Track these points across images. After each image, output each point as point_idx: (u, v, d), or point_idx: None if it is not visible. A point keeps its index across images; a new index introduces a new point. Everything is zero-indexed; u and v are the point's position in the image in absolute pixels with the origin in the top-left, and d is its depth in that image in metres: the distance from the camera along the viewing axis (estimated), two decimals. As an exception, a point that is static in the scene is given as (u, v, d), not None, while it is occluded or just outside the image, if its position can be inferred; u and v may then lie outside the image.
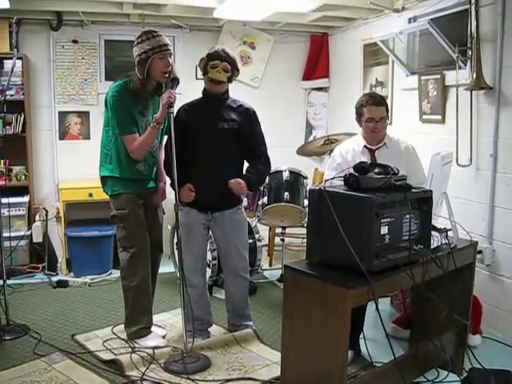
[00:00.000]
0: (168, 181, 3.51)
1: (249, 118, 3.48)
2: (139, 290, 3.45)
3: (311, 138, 6.05)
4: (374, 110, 3.29)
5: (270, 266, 5.40)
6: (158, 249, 3.65)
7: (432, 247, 2.68)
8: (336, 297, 2.30)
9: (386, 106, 3.36)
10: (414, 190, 2.53)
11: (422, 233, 2.58)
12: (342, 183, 2.54)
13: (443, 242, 2.81)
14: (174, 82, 3.25)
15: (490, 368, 2.96)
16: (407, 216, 2.47)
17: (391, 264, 2.39)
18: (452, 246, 2.83)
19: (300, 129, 6.17)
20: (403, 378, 2.58)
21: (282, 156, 5.30)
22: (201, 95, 3.49)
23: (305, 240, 2.65)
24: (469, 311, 3.10)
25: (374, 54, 5.03)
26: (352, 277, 2.30)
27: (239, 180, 3.39)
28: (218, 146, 3.40)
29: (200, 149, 3.38)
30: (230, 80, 3.39)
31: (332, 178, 2.64)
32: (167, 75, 3.28)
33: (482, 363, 2.96)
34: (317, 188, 2.49)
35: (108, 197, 3.49)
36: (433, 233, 2.72)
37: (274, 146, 5.67)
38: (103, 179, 3.47)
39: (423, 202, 2.56)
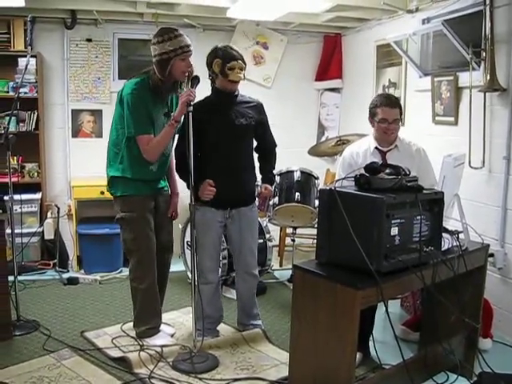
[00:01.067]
0: (181, 183, 3.52)
1: (261, 111, 3.54)
2: (148, 292, 3.44)
3: (323, 139, 6.02)
4: (387, 111, 3.26)
5: (281, 266, 5.39)
6: (168, 249, 3.63)
7: (443, 249, 2.65)
8: (345, 297, 2.29)
9: (400, 109, 3.33)
10: (425, 191, 2.51)
11: (433, 234, 2.56)
12: (353, 184, 2.53)
13: (454, 244, 2.79)
14: (195, 80, 3.21)
15: (501, 372, 2.93)
16: (418, 217, 2.45)
17: (401, 265, 2.38)
18: (463, 248, 2.81)
19: (312, 129, 6.16)
20: (412, 380, 2.56)
21: (294, 156, 5.30)
22: (210, 93, 3.48)
23: (315, 241, 2.64)
24: (479, 314, 3.07)
25: (387, 55, 5.01)
26: (361, 277, 2.29)
27: (268, 187, 3.59)
28: (237, 142, 3.42)
29: (219, 146, 3.38)
30: (244, 77, 3.41)
31: (343, 178, 2.62)
32: (187, 74, 3.23)
33: (493, 367, 2.93)
34: (327, 188, 2.48)
35: (113, 197, 3.43)
36: (444, 235, 2.69)
37: (285, 147, 5.69)
38: (112, 179, 3.40)
39: (434, 204, 2.54)
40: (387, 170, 2.55)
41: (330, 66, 5.97)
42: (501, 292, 3.70)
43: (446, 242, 2.73)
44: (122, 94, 3.28)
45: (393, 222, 2.34)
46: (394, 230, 2.36)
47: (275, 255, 5.26)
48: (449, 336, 2.92)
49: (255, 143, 3.62)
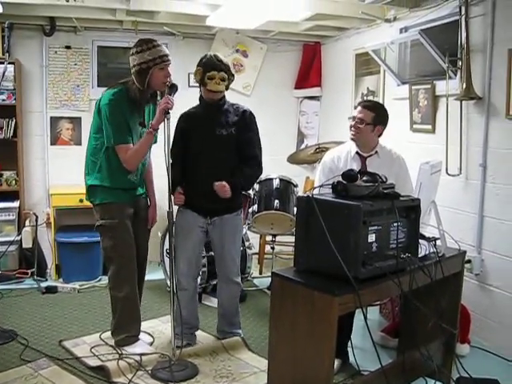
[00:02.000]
0: (158, 192, 3.56)
1: (245, 120, 3.48)
2: (127, 300, 3.43)
3: (303, 147, 6.06)
4: (359, 109, 3.33)
5: (260, 273, 5.40)
6: (143, 257, 3.61)
7: (420, 256, 2.67)
8: (322, 304, 2.29)
9: (375, 114, 3.30)
10: (401, 198, 2.53)
11: (410, 241, 2.59)
12: (331, 191, 2.54)
13: (431, 250, 2.81)
14: (173, 88, 3.22)
15: (478, 377, 2.96)
16: (395, 224, 2.47)
17: (378, 272, 2.39)
18: (440, 254, 2.83)
19: (292, 137, 6.20)
20: (390, 386, 2.59)
21: (274, 164, 5.32)
22: (197, 102, 3.50)
23: None
24: (457, 320, 3.10)
25: (365, 64, 5.06)
26: (339, 284, 2.30)
27: (224, 183, 3.34)
28: (217, 152, 3.41)
29: (200, 156, 3.39)
30: (227, 88, 3.41)
31: (320, 186, 2.64)
32: (166, 84, 3.23)
33: (470, 372, 2.96)
34: (305, 195, 2.50)
35: (93, 205, 3.43)
36: (421, 241, 2.72)
37: (265, 154, 5.70)
38: (90, 188, 3.38)
39: (411, 211, 2.57)
40: (364, 178, 2.57)
41: (309, 74, 6.01)
42: (478, 298, 3.74)
43: (423, 249, 2.76)
44: (99, 104, 3.29)
45: (370, 228, 2.36)
46: (371, 237, 2.38)
47: (255, 263, 5.27)
48: (427, 342, 2.94)
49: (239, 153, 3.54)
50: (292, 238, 4.37)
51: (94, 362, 3.29)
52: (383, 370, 2.54)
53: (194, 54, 5.31)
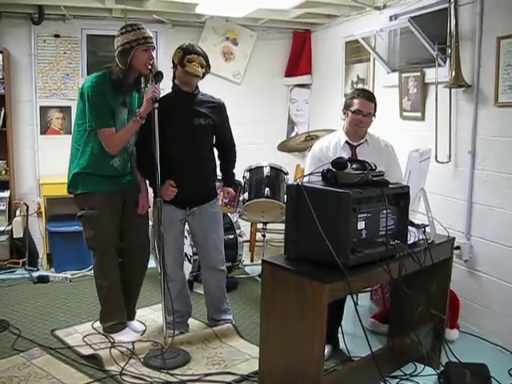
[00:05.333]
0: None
1: (221, 112, 3.54)
2: (111, 288, 3.46)
3: (293, 135, 6.07)
4: (363, 103, 3.28)
5: (252, 261, 5.43)
6: (138, 250, 3.59)
7: (409, 242, 2.70)
8: (313, 291, 2.32)
9: (375, 105, 3.34)
10: (391, 186, 2.56)
11: (399, 228, 2.61)
12: (321, 179, 2.56)
13: (420, 237, 2.84)
14: (159, 76, 3.21)
15: (466, 362, 3.01)
16: (384, 211, 2.50)
17: (368, 259, 2.42)
18: (429, 241, 2.87)
19: (282, 125, 6.20)
20: (380, 371, 2.62)
21: (264, 152, 5.36)
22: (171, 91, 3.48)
23: None
24: (446, 306, 3.14)
25: (355, 51, 5.06)
26: (329, 271, 2.33)
27: (228, 189, 3.69)
28: (196, 142, 3.42)
29: (178, 146, 3.38)
30: (203, 76, 3.40)
31: (310, 174, 2.65)
32: (150, 67, 3.22)
33: (459, 357, 3.00)
34: (295, 183, 2.51)
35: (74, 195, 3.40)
36: (410, 228, 2.75)
37: (255, 142, 5.77)
38: (73, 177, 3.35)
39: (400, 198, 2.59)
40: (354, 165, 2.59)
41: (299, 61, 6.00)
42: (467, 284, 3.79)
43: (413, 236, 2.79)
44: (82, 88, 3.27)
45: (359, 216, 2.39)
46: (361, 224, 2.41)
47: (246, 250, 5.29)
48: (416, 327, 2.99)
49: (215, 141, 3.62)
50: (283, 226, 4.41)
51: (86, 351, 3.30)
52: (373, 356, 2.58)
53: (184, 41, 5.29)
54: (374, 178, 2.52)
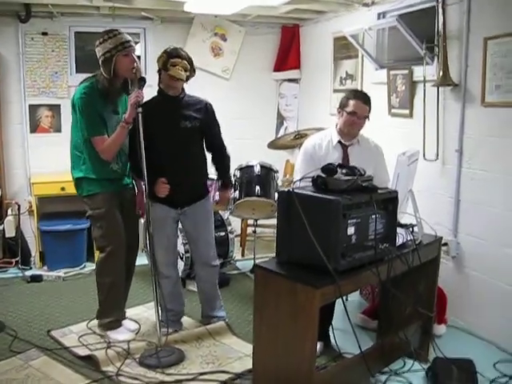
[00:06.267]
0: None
1: (208, 113, 3.56)
2: (113, 286, 3.52)
3: (282, 130, 6.12)
4: (360, 106, 3.31)
5: (243, 256, 5.48)
6: (131, 248, 3.68)
7: (398, 244, 2.77)
8: (305, 296, 2.38)
9: (370, 108, 3.38)
10: (380, 191, 2.61)
11: (388, 232, 2.67)
12: (311, 184, 2.61)
13: (408, 238, 2.91)
14: (141, 82, 3.29)
15: (453, 357, 3.09)
16: (373, 216, 2.55)
17: (357, 263, 2.49)
18: (417, 242, 2.93)
19: (271, 120, 6.23)
20: (369, 370, 2.70)
21: (253, 147, 5.40)
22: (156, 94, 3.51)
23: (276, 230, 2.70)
24: (433, 304, 3.22)
25: (344, 48, 5.08)
26: (320, 276, 2.38)
27: (226, 194, 3.76)
28: (184, 144, 3.46)
29: (166, 149, 3.42)
30: (187, 79, 3.43)
31: (300, 180, 2.71)
32: (134, 71, 3.31)
33: (447, 352, 3.10)
34: (286, 190, 2.57)
35: (81, 197, 3.50)
36: (398, 230, 2.81)
37: (244, 138, 5.79)
38: (77, 180, 3.47)
39: (389, 202, 2.65)
40: (343, 170, 2.64)
41: (288, 56, 6.01)
42: (455, 279, 3.86)
43: (401, 237, 2.85)
44: (73, 100, 3.38)
45: (349, 221, 2.44)
46: (351, 230, 2.46)
47: (237, 245, 5.33)
48: (405, 325, 3.07)
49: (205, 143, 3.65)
50: (273, 221, 4.47)
51: (82, 352, 3.35)
52: (363, 355, 2.65)
53: (173, 38, 5.33)
54: (363, 184, 2.57)
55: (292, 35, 5.99)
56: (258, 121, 6.03)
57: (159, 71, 3.41)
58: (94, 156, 3.37)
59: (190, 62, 3.40)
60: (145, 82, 3.30)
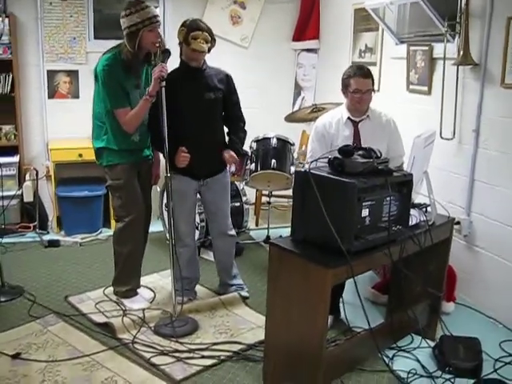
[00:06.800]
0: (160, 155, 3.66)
1: (229, 84, 3.59)
2: (130, 256, 3.60)
3: (299, 100, 6.10)
4: (361, 81, 3.33)
5: (257, 225, 5.53)
6: (147, 216, 3.74)
7: (410, 225, 2.80)
8: (317, 275, 2.44)
9: (373, 79, 3.40)
10: (395, 174, 2.64)
11: (402, 213, 2.71)
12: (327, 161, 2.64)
13: (421, 219, 2.94)
14: (166, 54, 3.28)
15: (460, 336, 3.16)
16: (387, 199, 2.59)
17: (370, 244, 2.53)
18: (430, 223, 2.96)
19: (289, 90, 6.20)
20: (377, 347, 2.78)
21: (270, 117, 5.40)
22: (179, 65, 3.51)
23: (290, 200, 2.73)
24: (443, 283, 3.27)
25: (364, 20, 5.02)
26: (333, 256, 2.43)
27: (232, 153, 3.57)
28: (208, 116, 3.50)
29: (189, 121, 3.45)
30: (209, 50, 3.43)
31: (316, 160, 2.72)
32: (158, 45, 3.29)
33: (454, 330, 3.15)
34: (302, 170, 2.60)
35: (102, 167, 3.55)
36: (412, 211, 2.84)
37: (261, 107, 5.78)
38: (98, 150, 3.51)
39: (404, 185, 2.67)
40: (360, 152, 2.66)
41: (307, 26, 5.95)
42: (465, 258, 3.90)
43: (414, 218, 2.89)
44: (96, 71, 3.37)
45: (364, 204, 2.48)
46: (365, 212, 2.50)
47: (251, 214, 5.38)
48: (414, 303, 3.13)
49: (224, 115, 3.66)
50: (288, 192, 4.51)
51: (99, 319, 3.46)
52: (372, 332, 2.73)
53: (192, 7, 5.30)
54: (379, 166, 2.60)
55: (312, 4, 5.90)
56: (275, 91, 6.01)
57: (180, 44, 3.41)
58: (116, 127, 3.39)
59: (210, 32, 3.40)
60: (169, 54, 3.29)
